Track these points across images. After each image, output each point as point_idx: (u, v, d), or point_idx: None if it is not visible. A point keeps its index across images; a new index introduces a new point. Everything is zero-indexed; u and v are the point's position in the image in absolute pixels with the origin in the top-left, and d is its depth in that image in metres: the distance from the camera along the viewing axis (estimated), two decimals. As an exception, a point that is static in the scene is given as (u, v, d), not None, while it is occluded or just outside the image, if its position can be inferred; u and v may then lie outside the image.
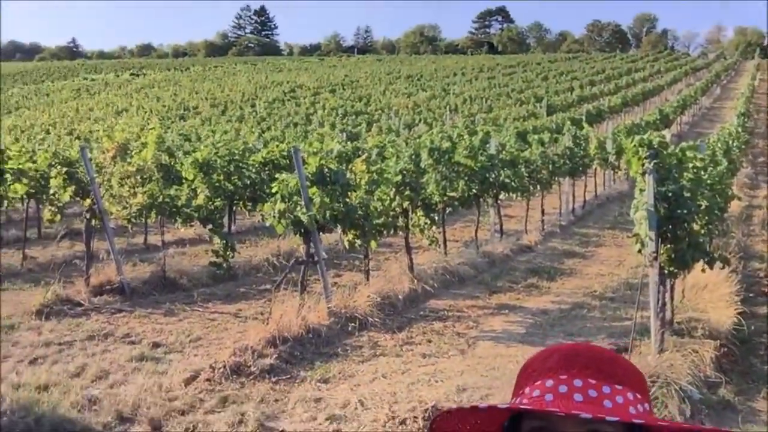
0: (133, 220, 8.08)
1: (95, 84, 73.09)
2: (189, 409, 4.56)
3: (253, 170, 9.71)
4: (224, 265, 8.25)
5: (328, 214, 6.17)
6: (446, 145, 8.64)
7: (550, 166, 11.94)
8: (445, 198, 8.43)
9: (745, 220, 12.29)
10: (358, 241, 6.74)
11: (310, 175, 6.29)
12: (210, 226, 8.41)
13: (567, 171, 12.85)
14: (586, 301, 7.62)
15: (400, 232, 7.97)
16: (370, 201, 6.87)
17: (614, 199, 16.36)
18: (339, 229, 6.91)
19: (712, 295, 6.34)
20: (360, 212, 6.62)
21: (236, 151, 9.66)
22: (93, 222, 7.91)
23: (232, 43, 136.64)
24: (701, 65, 62.60)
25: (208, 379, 4.97)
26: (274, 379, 5.01)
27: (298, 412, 4.50)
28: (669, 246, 4.81)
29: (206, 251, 9.32)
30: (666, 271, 4.92)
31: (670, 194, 4.73)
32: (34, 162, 10.67)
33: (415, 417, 4.19)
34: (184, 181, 9.86)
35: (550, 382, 0.87)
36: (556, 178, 12.64)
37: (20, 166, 10.15)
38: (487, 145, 10.32)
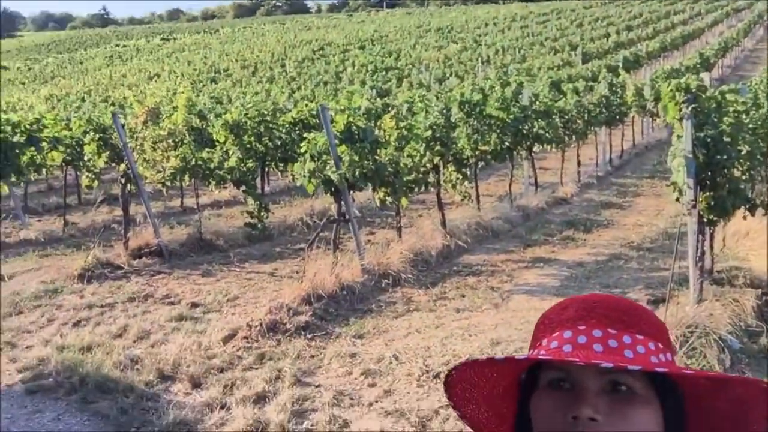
0: (167, 183, 8.18)
1: (127, 50, 73.56)
2: (227, 367, 4.66)
3: (284, 130, 9.69)
4: (259, 225, 8.32)
5: (357, 172, 6.14)
6: (477, 97, 8.47)
7: (586, 115, 11.65)
8: (477, 152, 8.31)
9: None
10: (389, 199, 6.71)
11: (338, 134, 6.25)
12: (243, 188, 8.46)
13: (603, 120, 12.54)
14: (624, 252, 7.50)
15: (432, 189, 7.91)
16: (399, 158, 6.81)
17: (653, 147, 15.94)
18: (370, 187, 6.87)
19: (753, 242, 6.17)
20: (390, 169, 6.58)
21: (266, 112, 9.64)
22: (128, 186, 8.03)
23: (260, 3, 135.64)
24: (743, 6, 59.76)
25: (245, 337, 5.06)
26: (309, 336, 5.09)
27: (334, 368, 4.56)
28: (708, 193, 4.66)
29: (241, 212, 9.42)
30: (705, 219, 4.79)
31: (708, 140, 4.57)
32: (70, 129, 10.86)
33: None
34: (216, 143, 9.93)
35: (568, 333, 0.83)
36: (592, 128, 12.34)
37: (56, 134, 10.34)
38: (520, 96, 10.09)
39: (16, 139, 9.47)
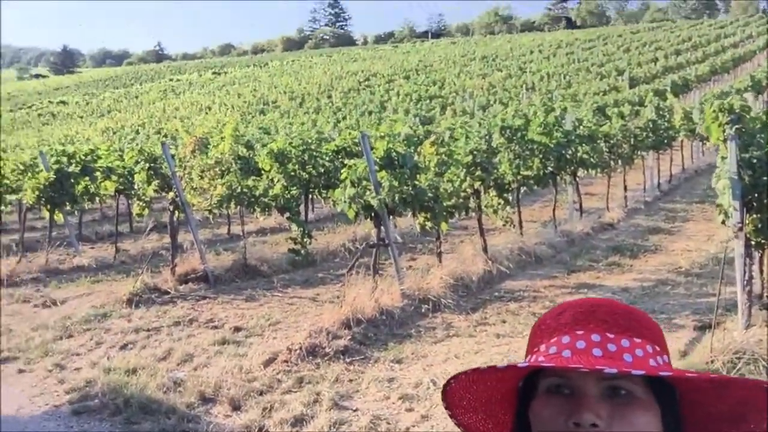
0: (213, 210, 8.38)
1: (180, 84, 76.07)
2: (267, 390, 4.71)
3: (327, 158, 9.85)
4: (302, 251, 8.42)
5: (396, 197, 6.18)
6: (519, 122, 8.46)
7: (632, 140, 11.47)
8: (519, 177, 8.27)
9: None
10: (429, 224, 6.72)
11: (378, 160, 6.32)
12: (287, 215, 8.61)
13: (650, 144, 12.32)
14: (671, 277, 7.30)
15: (473, 214, 7.89)
16: (439, 183, 6.83)
17: (703, 171, 15.55)
18: (410, 213, 6.91)
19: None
20: (429, 194, 6.60)
21: (310, 141, 9.84)
22: (177, 214, 8.26)
23: (308, 36, 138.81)
24: (798, 26, 58.21)
25: (285, 361, 5.11)
26: (348, 360, 5.10)
27: (372, 392, 4.56)
28: (755, 216, 4.53)
29: (286, 239, 9.57)
30: (753, 243, 4.64)
31: (754, 161, 4.45)
32: (122, 160, 11.27)
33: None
34: (262, 172, 10.16)
35: (566, 338, 0.83)
36: (639, 153, 12.13)
37: (109, 164, 10.74)
38: (563, 121, 10.02)
39: (71, 169, 9.89)
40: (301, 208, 9.97)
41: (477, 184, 7.58)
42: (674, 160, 14.55)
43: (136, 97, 69.15)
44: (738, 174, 4.41)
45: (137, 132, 33.49)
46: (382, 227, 6.36)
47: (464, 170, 7.36)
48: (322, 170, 9.65)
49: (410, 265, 8.16)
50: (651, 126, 12.34)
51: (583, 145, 9.81)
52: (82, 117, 60.02)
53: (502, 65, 48.80)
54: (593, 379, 0.80)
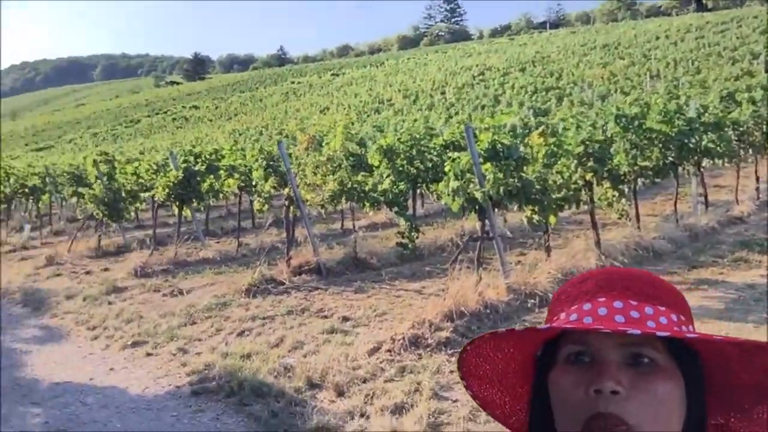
0: (325, 205, 8.67)
1: (301, 87, 78.96)
2: (370, 377, 4.82)
3: (435, 153, 9.88)
4: (409, 245, 8.52)
5: (501, 190, 6.11)
6: (635, 110, 8.06)
7: (765, 127, 10.59)
8: (636, 168, 7.89)
9: None
10: (536, 217, 6.58)
11: (482, 152, 6.27)
12: (395, 209, 8.74)
13: (788, 131, 11.30)
14: (807, 274, 6.69)
15: (585, 207, 7.62)
16: (548, 174, 6.66)
17: None
18: (516, 206, 6.79)
19: None
20: (537, 186, 6.46)
21: (418, 136, 9.90)
22: (291, 209, 8.62)
23: (424, 34, 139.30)
24: None
25: (388, 350, 5.21)
26: (449, 352, 5.12)
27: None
28: None
29: (396, 234, 9.71)
30: None
31: None
32: (244, 158, 11.90)
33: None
34: (373, 168, 10.36)
35: (587, 305, 0.80)
36: (774, 141, 11.16)
37: (232, 163, 11.38)
38: (686, 108, 9.43)
39: (197, 168, 10.58)
40: (410, 202, 10.06)
41: (589, 176, 7.32)
42: (818, 148, 13.26)
43: (260, 100, 72.56)
44: None
45: (260, 133, 35.17)
46: (486, 220, 6.30)
47: (575, 161, 7.13)
48: (430, 165, 9.69)
49: (519, 260, 8.01)
50: (789, 111, 11.32)
51: (709, 133, 9.19)
52: (211, 120, 63.85)
53: (625, 53, 46.54)
54: (615, 345, 0.78)
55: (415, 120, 23.24)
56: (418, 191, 10.86)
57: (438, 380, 4.61)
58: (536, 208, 6.57)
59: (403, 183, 9.02)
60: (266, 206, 11.56)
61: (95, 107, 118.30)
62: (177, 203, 10.56)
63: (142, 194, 12.03)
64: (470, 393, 0.93)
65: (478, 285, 6.00)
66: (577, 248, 7.45)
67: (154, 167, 12.25)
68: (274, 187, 10.24)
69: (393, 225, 11.16)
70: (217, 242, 12.04)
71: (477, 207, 6.27)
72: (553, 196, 6.66)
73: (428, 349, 5.14)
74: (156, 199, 10.94)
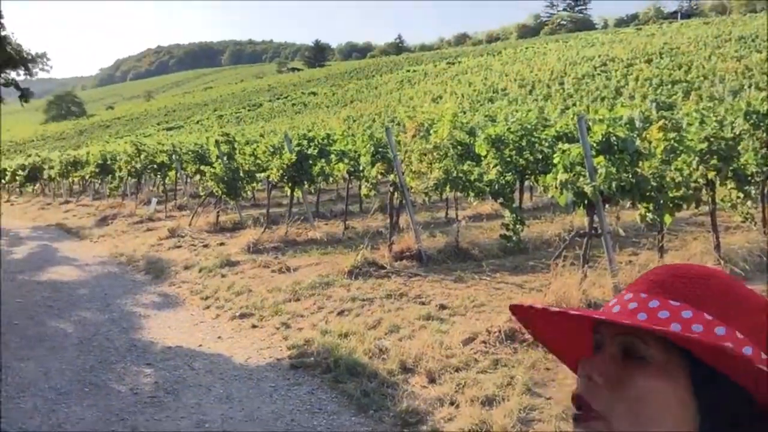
0: (429, 193, 8.67)
1: (416, 75, 79.17)
2: (463, 367, 4.80)
3: (546, 144, 9.61)
4: (514, 238, 8.37)
5: (614, 185, 5.84)
6: (767, 107, 7.45)
7: None
8: (765, 168, 7.30)
9: None
10: (650, 215, 6.24)
11: (595, 144, 6.03)
12: (500, 200, 8.60)
13: None
14: None
15: (706, 208, 7.15)
16: (666, 171, 6.30)
17: None
18: (629, 203, 6.48)
19: None
20: (653, 183, 6.13)
21: (529, 126, 9.66)
22: (395, 195, 8.70)
23: (544, 22, 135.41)
24: None
25: (483, 342, 5.16)
26: (546, 349, 4.98)
27: (568, 382, 4.41)
28: None
29: (500, 225, 9.57)
30: None
31: None
32: (354, 144, 12.13)
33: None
34: (482, 158, 10.24)
35: (628, 295, 0.77)
36: None
37: (342, 148, 11.63)
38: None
39: (310, 151, 10.90)
40: (516, 194, 9.85)
41: (711, 175, 6.85)
42: None
43: (376, 88, 73.51)
44: None
45: (373, 120, 35.67)
46: (595, 216, 6.06)
47: (697, 158, 6.69)
48: (540, 156, 9.44)
49: (630, 260, 7.65)
50: None
51: None
52: (328, 106, 65.49)
53: (762, 46, 42.95)
54: (612, 336, 0.75)
55: (530, 110, 22.68)
56: (527, 183, 10.62)
57: (532, 376, 4.51)
58: (651, 206, 6.24)
59: (510, 174, 8.86)
60: (373, 192, 11.74)
61: (222, 90, 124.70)
62: (289, 185, 10.95)
63: (258, 175, 12.56)
64: (535, 337, 0.92)
65: (583, 283, 5.80)
66: (694, 251, 7.02)
67: (271, 149, 12.75)
68: (381, 173, 10.36)
69: (498, 216, 10.99)
70: (326, 224, 12.37)
71: (586, 202, 6.04)
72: (670, 195, 6.29)
73: (524, 344, 5.04)
74: (270, 180, 11.39)
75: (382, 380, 4.70)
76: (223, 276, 8.54)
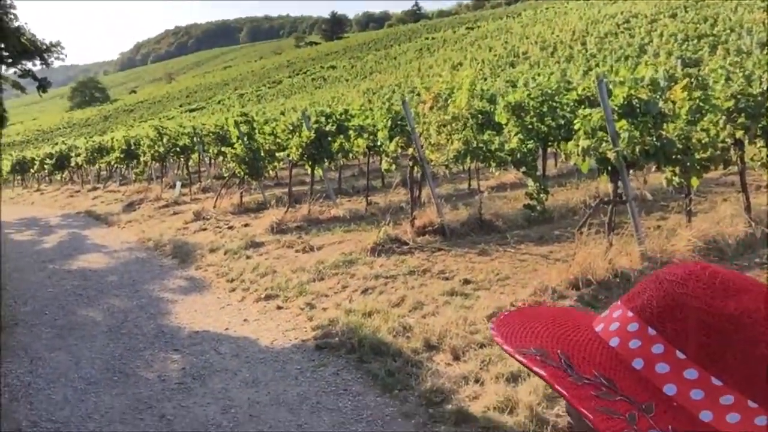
0: (449, 165, 8.56)
1: (434, 42, 78.13)
2: (488, 343, 4.75)
3: (568, 109, 9.39)
4: (538, 207, 8.24)
5: (637, 149, 5.68)
6: (799, 59, 7.15)
7: None
8: (797, 124, 7.02)
9: None
10: (676, 179, 6.07)
11: (617, 108, 5.85)
12: (523, 169, 8.45)
13: None
14: None
15: (735, 168, 6.94)
16: (691, 132, 6.11)
17: None
18: (654, 167, 6.31)
19: None
20: (679, 146, 5.95)
21: (549, 91, 9.44)
22: (415, 169, 8.60)
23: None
24: None
25: (508, 316, 5.09)
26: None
27: (595, 356, 4.33)
28: None
29: (524, 195, 9.42)
30: None
31: None
32: (372, 118, 12.01)
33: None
34: (503, 127, 10.06)
35: (617, 312, 0.67)
36: None
37: (361, 123, 11.52)
38: None
39: (328, 128, 10.82)
40: (539, 162, 9.68)
41: (739, 134, 6.62)
42: None
43: (395, 58, 72.78)
44: None
45: (393, 92, 35.35)
46: (619, 182, 5.92)
47: (723, 117, 6.47)
48: (563, 122, 9.23)
49: (658, 225, 7.49)
50: None
51: None
52: (347, 80, 65.07)
53: (795, -7, 41.36)
54: None
55: (552, 73, 22.23)
56: (550, 150, 10.43)
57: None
58: (677, 170, 6.07)
59: (532, 141, 8.69)
60: (393, 166, 11.66)
61: (241, 69, 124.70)
62: (309, 163, 10.91)
63: (278, 154, 12.54)
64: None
65: (609, 251, 5.69)
66: (724, 213, 6.83)
67: (290, 127, 12.70)
68: (401, 147, 10.26)
69: (523, 185, 10.82)
70: (348, 200, 12.35)
71: (609, 168, 5.90)
72: (697, 156, 6.10)
73: (550, 317, 4.97)
74: (291, 158, 11.36)
75: (406, 359, 4.68)
76: (248, 258, 8.58)
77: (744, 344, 0.58)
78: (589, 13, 59.08)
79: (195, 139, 16.77)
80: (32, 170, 29.44)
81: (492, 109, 10.86)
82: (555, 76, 19.86)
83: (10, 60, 16.44)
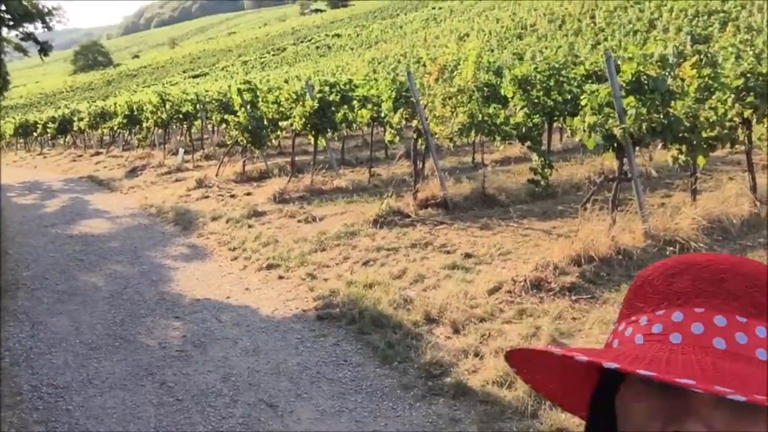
0: (454, 139, 8.49)
1: (441, 12, 77.10)
2: (488, 317, 4.77)
3: (575, 84, 9.28)
4: (542, 182, 8.19)
5: (644, 126, 5.62)
6: (812, 38, 7.04)
7: None
8: (807, 104, 6.94)
9: None
10: (682, 157, 6.03)
11: (624, 84, 5.78)
12: (528, 144, 8.39)
13: None
14: None
15: (742, 147, 6.88)
16: (699, 110, 6.04)
17: None
18: (661, 145, 6.26)
19: None
20: (686, 124, 5.88)
21: (557, 65, 9.33)
22: (419, 141, 8.54)
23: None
24: None
25: (509, 291, 5.10)
26: (573, 297, 4.91)
27: (595, 333, 4.35)
28: None
29: (529, 169, 9.37)
30: None
31: None
32: (377, 89, 11.89)
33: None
34: (509, 100, 9.97)
35: (678, 316, 0.62)
36: None
37: (365, 94, 11.42)
38: None
39: (332, 98, 10.73)
40: (545, 137, 9.61)
41: (748, 113, 6.55)
42: None
43: (401, 27, 71.95)
44: None
45: (398, 62, 34.99)
46: (625, 159, 5.87)
47: (732, 96, 6.39)
48: (569, 97, 9.14)
49: (663, 202, 7.45)
50: None
51: None
52: (353, 49, 64.42)
53: (813, -33, 40.65)
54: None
55: (559, 47, 21.97)
56: (556, 125, 10.35)
57: (558, 326, 4.46)
58: (683, 148, 6.02)
59: (537, 116, 8.61)
60: (397, 138, 11.57)
61: (245, 35, 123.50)
62: (313, 132, 10.84)
63: (282, 122, 12.46)
64: (523, 378, 0.76)
65: (612, 228, 5.67)
66: (729, 192, 6.79)
67: (294, 96, 12.59)
68: (406, 119, 10.17)
69: (527, 159, 10.75)
70: (352, 171, 12.29)
71: (615, 145, 5.84)
72: (704, 135, 6.04)
73: (551, 293, 4.97)
74: (294, 128, 11.28)
75: (406, 331, 4.70)
76: (250, 227, 8.58)
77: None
78: (599, -14, 58.21)
79: (198, 106, 16.67)
80: (35, 134, 29.35)
81: (498, 82, 10.75)
82: (562, 50, 19.64)
83: (11, 23, 16.29)
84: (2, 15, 15.88)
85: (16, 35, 17.44)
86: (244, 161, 12.98)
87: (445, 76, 9.14)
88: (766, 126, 6.71)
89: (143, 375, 4.36)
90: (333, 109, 10.66)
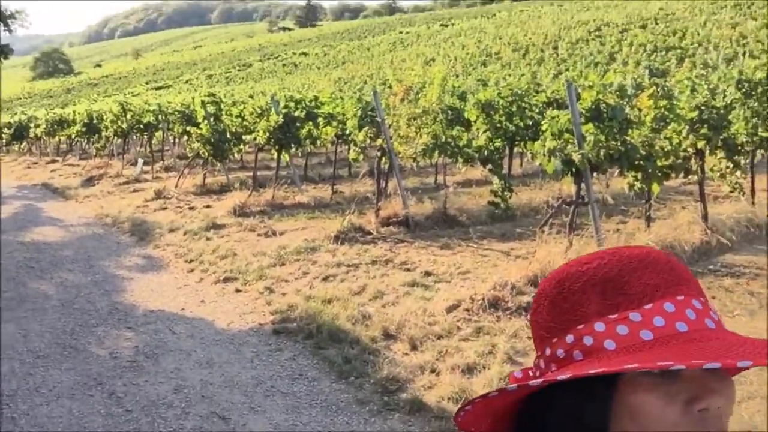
0: (417, 159, 8.57)
1: (408, 36, 78.12)
2: (445, 335, 4.79)
3: (536, 110, 9.49)
4: (502, 205, 8.31)
5: (602, 153, 5.78)
6: (760, 76, 7.36)
7: None
8: (756, 138, 7.24)
9: None
10: (638, 184, 6.20)
11: (584, 111, 5.94)
12: (489, 166, 8.52)
13: None
14: None
15: (695, 177, 7.11)
16: (655, 140, 6.23)
17: None
18: (617, 172, 6.43)
19: None
20: (642, 152, 6.06)
21: (519, 91, 9.52)
22: (383, 160, 8.59)
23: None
24: None
25: (467, 309, 5.14)
26: (529, 318, 4.97)
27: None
28: None
29: (489, 192, 9.50)
30: None
31: None
32: (342, 107, 11.95)
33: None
34: (472, 124, 10.11)
35: (669, 306, 0.65)
36: None
37: (330, 111, 11.46)
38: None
39: (297, 114, 10.73)
40: (506, 161, 9.77)
41: (701, 144, 6.79)
42: None
43: (368, 49, 72.54)
44: None
45: (365, 82, 35.23)
46: (582, 184, 6.01)
47: (687, 127, 6.62)
48: (530, 122, 9.33)
49: (618, 228, 7.64)
50: None
51: None
52: (319, 68, 64.62)
53: (758, 13, 42.53)
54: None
55: (522, 75, 22.46)
56: (516, 149, 10.53)
57: (514, 345, 4.51)
58: (639, 175, 6.19)
59: (499, 140, 8.77)
60: (361, 156, 11.61)
61: (211, 50, 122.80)
62: (276, 147, 10.80)
63: (245, 136, 12.38)
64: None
65: (569, 251, 5.77)
66: (681, 220, 7.00)
67: (258, 111, 12.55)
68: (371, 137, 10.23)
69: (488, 182, 10.90)
70: (314, 188, 12.28)
71: (574, 170, 5.98)
72: (659, 163, 6.23)
73: (507, 312, 5.03)
74: (257, 142, 11.23)
75: (364, 347, 4.68)
76: (208, 239, 8.47)
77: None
78: (562, 19, 59.82)
79: (160, 116, 16.46)
80: (-12, 139, 28.53)
81: (462, 106, 10.90)
82: (525, 78, 20.06)
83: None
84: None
85: (-25, 37, 17.02)
86: (204, 174, 12.84)
87: (410, 97, 9.25)
88: (718, 157, 6.95)
89: (92, 385, 4.24)
90: (298, 125, 10.65)
